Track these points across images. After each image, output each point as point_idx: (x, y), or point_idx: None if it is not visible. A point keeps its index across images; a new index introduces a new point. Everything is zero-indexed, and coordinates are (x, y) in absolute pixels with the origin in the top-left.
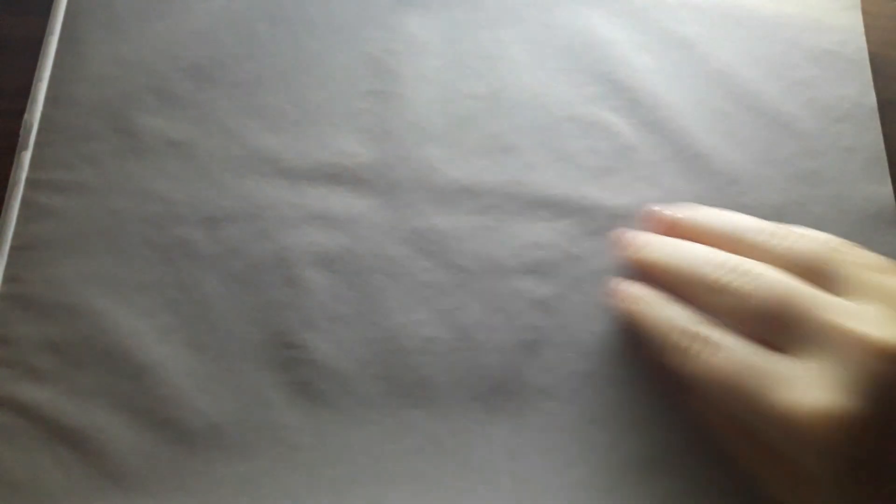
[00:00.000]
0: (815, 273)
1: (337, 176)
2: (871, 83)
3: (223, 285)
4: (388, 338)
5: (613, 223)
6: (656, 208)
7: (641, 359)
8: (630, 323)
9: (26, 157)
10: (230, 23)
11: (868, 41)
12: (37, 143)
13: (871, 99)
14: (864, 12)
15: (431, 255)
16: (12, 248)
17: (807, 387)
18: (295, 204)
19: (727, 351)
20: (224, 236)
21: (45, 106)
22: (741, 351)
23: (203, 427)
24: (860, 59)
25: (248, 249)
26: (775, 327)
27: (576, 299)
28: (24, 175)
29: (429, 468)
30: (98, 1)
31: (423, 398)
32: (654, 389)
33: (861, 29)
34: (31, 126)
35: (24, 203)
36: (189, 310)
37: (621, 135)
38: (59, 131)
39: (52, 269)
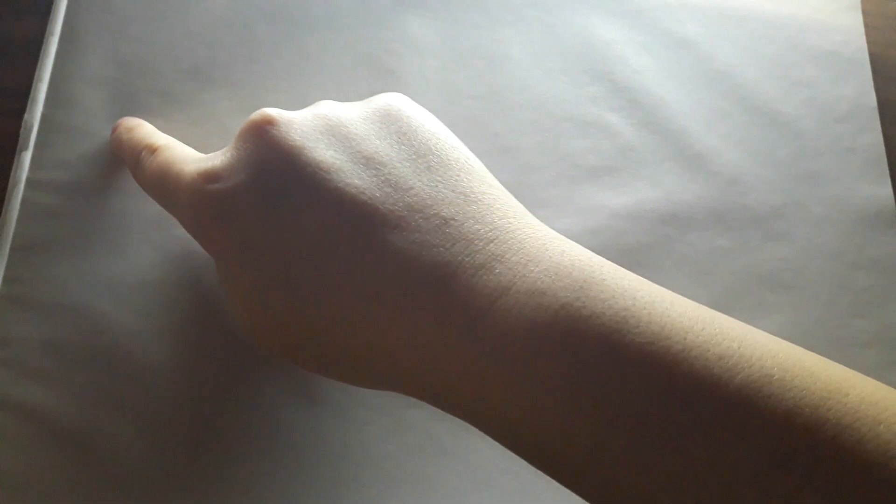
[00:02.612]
0: None
1: None
2: (871, 83)
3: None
4: None
5: (613, 223)
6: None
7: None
8: (117, 154)
9: (26, 157)
10: (230, 23)
11: (868, 41)
12: (37, 143)
13: (871, 99)
14: (864, 12)
15: None
16: (12, 248)
17: (198, 160)
18: None
19: (158, 153)
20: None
21: (45, 106)
22: (168, 151)
23: (203, 427)
24: (860, 59)
25: None
26: None
27: None
28: (24, 175)
29: (428, 468)
30: (98, 1)
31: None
32: None
33: (861, 29)
34: (31, 126)
35: (25, 203)
36: (189, 310)
37: (621, 135)
38: (59, 131)
39: (52, 269)
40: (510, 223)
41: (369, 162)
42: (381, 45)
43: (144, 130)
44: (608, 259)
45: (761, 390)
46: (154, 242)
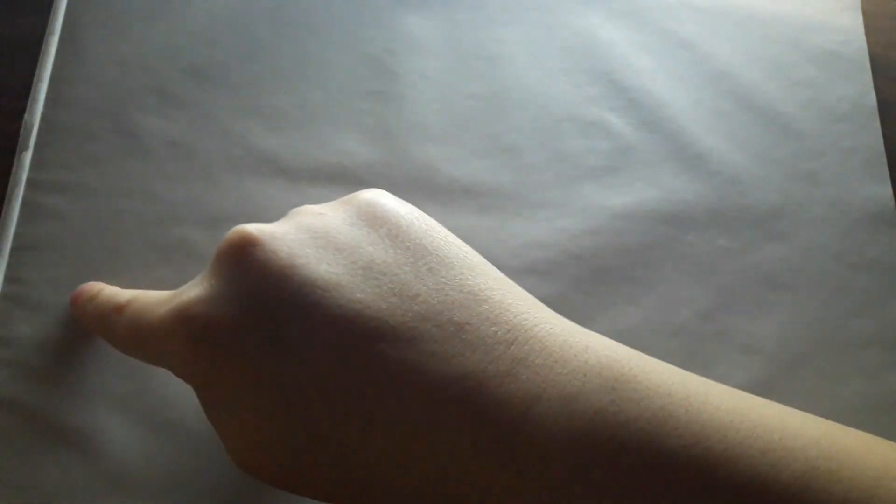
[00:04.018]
0: None
1: (337, 176)
2: (871, 83)
3: None
4: None
5: (613, 223)
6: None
7: None
8: (82, 324)
9: (26, 157)
10: (230, 23)
11: (868, 41)
12: (37, 144)
13: (871, 99)
14: (864, 12)
15: None
16: (13, 248)
17: (172, 298)
18: (295, 204)
19: (125, 311)
20: (224, 236)
21: (45, 106)
22: (134, 305)
23: (203, 427)
24: (860, 59)
25: None
26: None
27: (576, 299)
28: (24, 175)
29: None
30: (98, 1)
31: None
32: None
33: (861, 29)
34: (31, 126)
35: (25, 203)
36: None
37: (621, 135)
38: (59, 131)
39: (52, 270)
40: (526, 320)
41: (367, 272)
42: (381, 45)
43: (106, 294)
44: (608, 259)
45: (809, 486)
46: (154, 242)
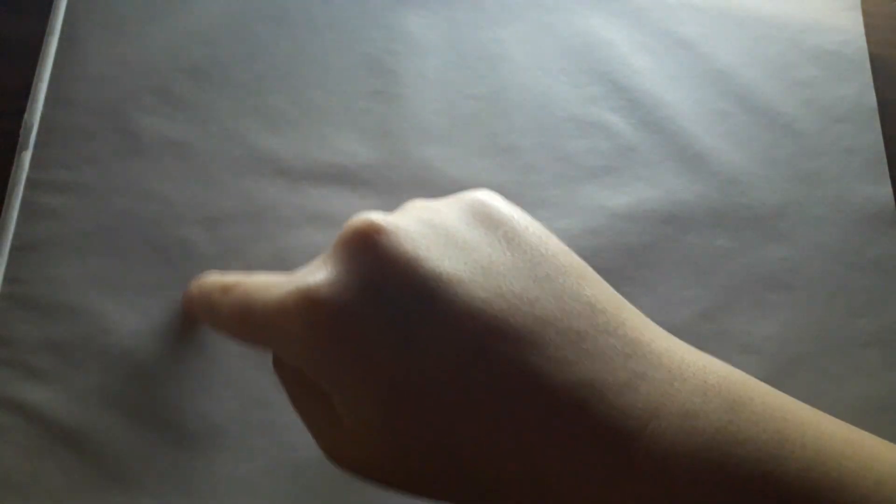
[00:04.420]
0: None
1: (337, 176)
2: (871, 83)
3: None
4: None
5: (613, 223)
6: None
7: None
8: (191, 316)
9: (26, 157)
10: (230, 23)
11: (868, 41)
12: (37, 143)
13: (871, 99)
14: (864, 12)
15: None
16: (12, 248)
17: (290, 280)
18: (295, 204)
19: (231, 291)
20: (224, 236)
21: (45, 106)
22: (243, 286)
23: (203, 427)
24: (860, 59)
25: (248, 249)
26: None
27: None
28: (24, 175)
29: None
30: (98, 1)
31: None
32: None
33: (861, 29)
34: (31, 126)
35: (25, 203)
36: None
37: (621, 135)
38: (59, 131)
39: (52, 269)
40: (642, 335)
41: (487, 272)
42: (381, 45)
43: (212, 277)
44: (608, 259)
45: None
46: (154, 242)
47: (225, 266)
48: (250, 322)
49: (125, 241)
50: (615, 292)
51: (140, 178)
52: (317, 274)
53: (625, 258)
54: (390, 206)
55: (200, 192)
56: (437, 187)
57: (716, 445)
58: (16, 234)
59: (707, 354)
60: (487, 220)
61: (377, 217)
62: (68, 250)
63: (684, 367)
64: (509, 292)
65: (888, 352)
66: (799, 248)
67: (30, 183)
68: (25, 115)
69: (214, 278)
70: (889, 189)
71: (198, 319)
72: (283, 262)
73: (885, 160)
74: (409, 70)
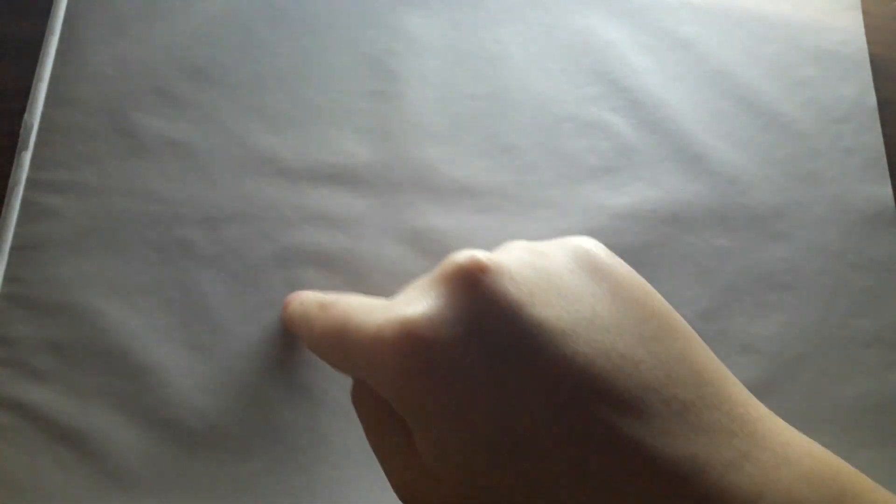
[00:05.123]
0: None
1: (337, 176)
2: (871, 83)
3: (223, 285)
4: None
5: (613, 223)
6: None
7: None
8: (290, 329)
9: (26, 157)
10: (230, 23)
11: (868, 41)
12: (37, 143)
13: (871, 99)
14: (864, 12)
15: (431, 254)
16: (12, 248)
17: (389, 308)
18: (295, 204)
19: (329, 308)
20: (224, 236)
21: (45, 106)
22: (341, 305)
23: (203, 427)
24: (860, 59)
25: (248, 249)
26: None
27: None
28: (24, 175)
29: None
30: (98, 1)
31: None
32: None
33: (861, 29)
34: (31, 126)
35: (24, 203)
36: (189, 310)
37: (621, 135)
38: (59, 131)
39: (52, 269)
40: (748, 413)
41: (590, 326)
42: (381, 45)
43: (312, 293)
44: None
45: None
46: (154, 242)
47: (225, 266)
48: (344, 344)
49: (125, 241)
50: (720, 361)
51: (140, 178)
52: (417, 305)
53: (625, 258)
54: (390, 206)
55: (200, 192)
56: (437, 187)
57: None
58: (16, 234)
59: (809, 438)
60: (593, 271)
61: (482, 255)
62: (68, 250)
63: (789, 451)
64: (613, 351)
65: (888, 352)
66: (799, 248)
67: (30, 183)
68: (25, 115)
69: (314, 293)
70: (889, 189)
71: (294, 333)
72: (283, 262)
73: (885, 160)
74: (409, 70)
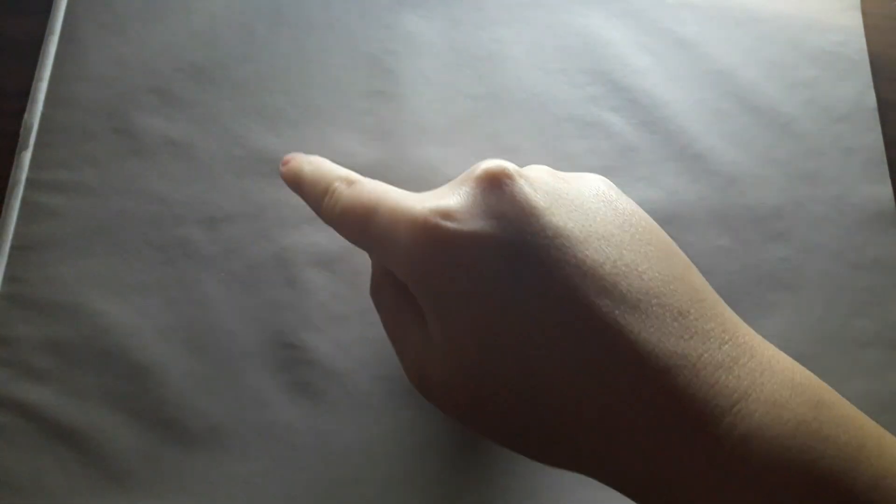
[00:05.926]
0: None
1: None
2: (871, 83)
3: (223, 285)
4: (388, 338)
5: None
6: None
7: None
8: (292, 185)
9: (26, 157)
10: (230, 23)
11: (868, 41)
12: (37, 143)
13: (871, 99)
14: (864, 12)
15: None
16: (12, 248)
17: (421, 197)
18: (295, 204)
19: (358, 185)
20: (224, 236)
21: (45, 106)
22: (371, 184)
23: (203, 427)
24: (860, 59)
25: (248, 249)
26: None
27: None
28: (24, 175)
29: (428, 468)
30: (98, 1)
31: (423, 398)
32: None
33: (861, 29)
34: (31, 126)
35: (24, 203)
36: (189, 310)
37: (621, 135)
38: (59, 131)
39: (52, 269)
40: (738, 326)
41: (603, 239)
42: (381, 45)
43: (330, 164)
44: None
45: None
46: (154, 242)
47: (225, 266)
48: (373, 221)
49: (125, 241)
50: (715, 293)
51: (140, 178)
52: (449, 198)
53: None
54: None
55: (200, 192)
56: (437, 187)
57: (798, 437)
58: (16, 234)
59: (792, 359)
60: (605, 201)
61: (510, 165)
62: (68, 250)
63: (774, 363)
64: (620, 260)
65: (888, 352)
66: (799, 248)
67: (30, 183)
68: (25, 115)
69: (332, 165)
70: (889, 189)
71: (297, 193)
72: (283, 262)
73: (885, 160)
74: (409, 70)
